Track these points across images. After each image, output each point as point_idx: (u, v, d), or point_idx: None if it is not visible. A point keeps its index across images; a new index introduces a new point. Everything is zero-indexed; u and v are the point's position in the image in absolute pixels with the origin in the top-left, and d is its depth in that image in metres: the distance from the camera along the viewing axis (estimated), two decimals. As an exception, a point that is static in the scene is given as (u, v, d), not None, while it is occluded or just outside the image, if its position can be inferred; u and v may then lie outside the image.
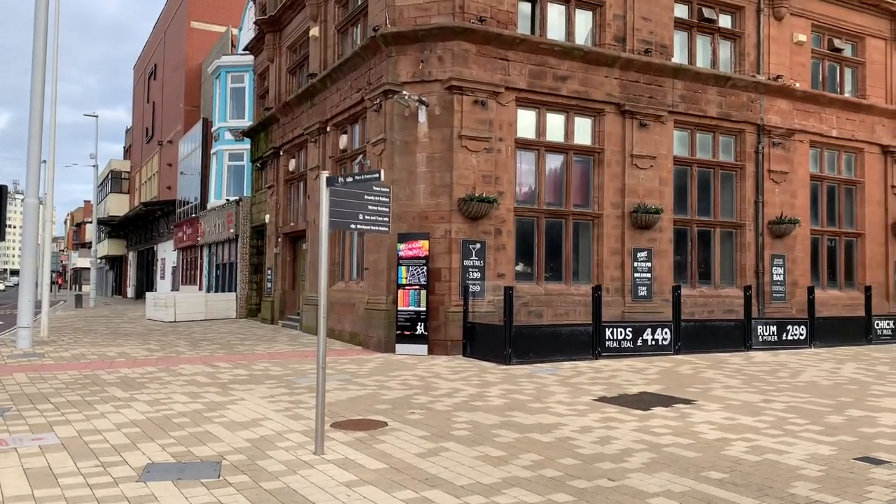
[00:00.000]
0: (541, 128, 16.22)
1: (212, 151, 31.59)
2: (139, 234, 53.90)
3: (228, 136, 30.17)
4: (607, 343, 14.28)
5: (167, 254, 43.73)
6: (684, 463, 6.48)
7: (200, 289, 33.89)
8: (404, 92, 14.59)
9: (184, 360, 13.81)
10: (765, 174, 19.03)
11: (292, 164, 22.30)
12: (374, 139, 15.75)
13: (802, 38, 19.93)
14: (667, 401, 9.69)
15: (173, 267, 41.61)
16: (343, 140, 18.23)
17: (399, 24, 15.30)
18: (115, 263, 65.94)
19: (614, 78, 16.81)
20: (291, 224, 22.52)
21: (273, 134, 23.71)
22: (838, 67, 21.39)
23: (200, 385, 10.65)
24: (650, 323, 15.11)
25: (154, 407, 8.84)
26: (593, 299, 14.18)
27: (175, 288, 39.76)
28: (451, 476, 6.01)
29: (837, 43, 21.00)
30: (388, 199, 7.40)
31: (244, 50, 28.19)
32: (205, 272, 33.49)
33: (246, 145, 29.64)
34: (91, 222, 72.98)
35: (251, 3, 31.16)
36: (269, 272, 23.78)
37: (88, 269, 75.98)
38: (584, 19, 17.03)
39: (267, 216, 24.02)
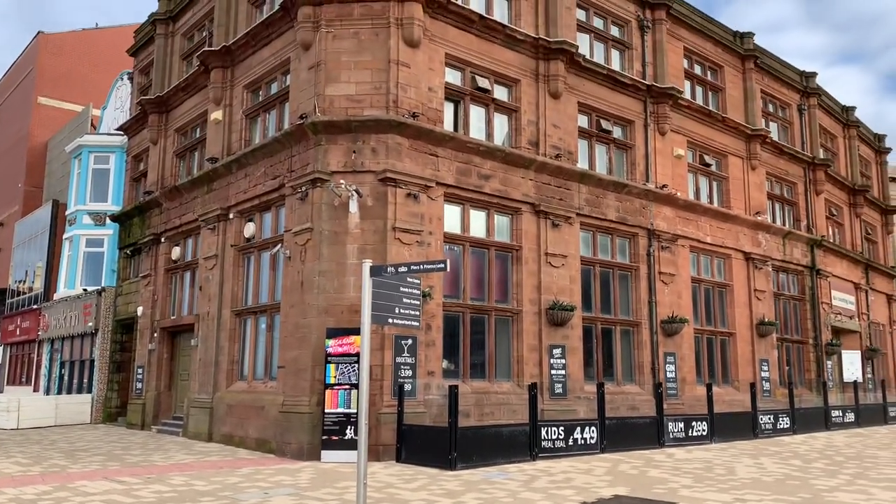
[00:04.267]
0: (465, 224, 16.20)
1: (65, 236, 28.58)
2: (-54, 326, 47.09)
3: (87, 220, 27.53)
4: (543, 443, 13.98)
5: (-13, 349, 38.39)
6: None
7: (36, 390, 29.81)
8: (341, 181, 14.05)
9: (75, 475, 11.77)
10: (656, 275, 20.13)
11: (176, 251, 20.61)
12: (297, 228, 14.92)
13: (681, 152, 21.79)
14: (651, 504, 9.48)
15: (-5, 365, 36.49)
16: (249, 228, 17.14)
17: (330, 113, 14.90)
18: None
19: (530, 179, 17.31)
20: (172, 317, 20.57)
21: (153, 219, 21.92)
22: (707, 181, 23.53)
23: (128, 507, 9.03)
24: (579, 422, 15.05)
25: (100, 538, 7.30)
26: (530, 398, 13.92)
27: (-3, 389, 34.73)
28: None
29: (707, 159, 23.17)
30: (419, 293, 6.85)
31: (118, 130, 26.25)
32: (43, 371, 29.59)
33: (107, 231, 27.19)
34: None
35: (120, 82, 29.43)
36: (140, 371, 21.37)
37: None
38: (500, 122, 17.54)
39: (139, 308, 21.81)
